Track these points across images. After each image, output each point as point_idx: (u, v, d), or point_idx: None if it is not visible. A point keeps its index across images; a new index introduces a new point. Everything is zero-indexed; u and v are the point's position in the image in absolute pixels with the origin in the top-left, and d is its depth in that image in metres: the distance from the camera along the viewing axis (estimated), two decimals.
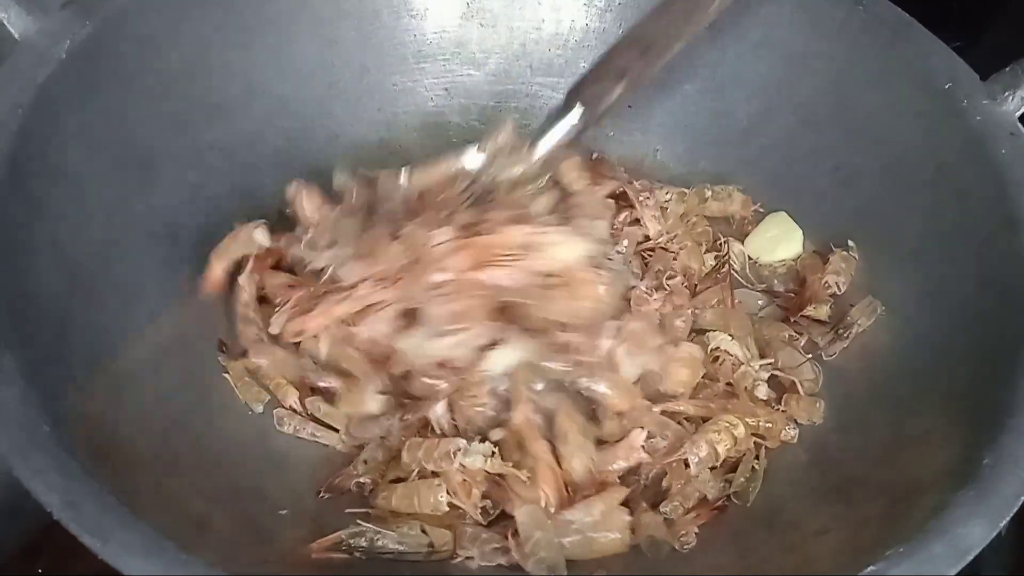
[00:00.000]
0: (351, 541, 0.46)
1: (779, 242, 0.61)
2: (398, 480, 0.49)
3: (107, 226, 0.49)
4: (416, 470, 0.49)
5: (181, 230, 0.55)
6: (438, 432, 0.51)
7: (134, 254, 0.51)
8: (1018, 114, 0.51)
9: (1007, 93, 0.51)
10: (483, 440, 0.49)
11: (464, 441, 0.48)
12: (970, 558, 0.36)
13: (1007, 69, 0.52)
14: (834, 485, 0.48)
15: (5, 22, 0.47)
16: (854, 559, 0.38)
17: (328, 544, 0.45)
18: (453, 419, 0.51)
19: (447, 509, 0.47)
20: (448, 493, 0.47)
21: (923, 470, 0.44)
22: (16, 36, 0.47)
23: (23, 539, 0.51)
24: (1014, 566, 0.54)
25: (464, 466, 0.47)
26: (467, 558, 0.46)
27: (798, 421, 0.53)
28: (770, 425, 0.52)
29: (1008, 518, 0.38)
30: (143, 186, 0.52)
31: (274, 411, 0.52)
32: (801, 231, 0.61)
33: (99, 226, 0.48)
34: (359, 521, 0.46)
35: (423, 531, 0.46)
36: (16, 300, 0.41)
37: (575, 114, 0.51)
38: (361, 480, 0.50)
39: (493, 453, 0.48)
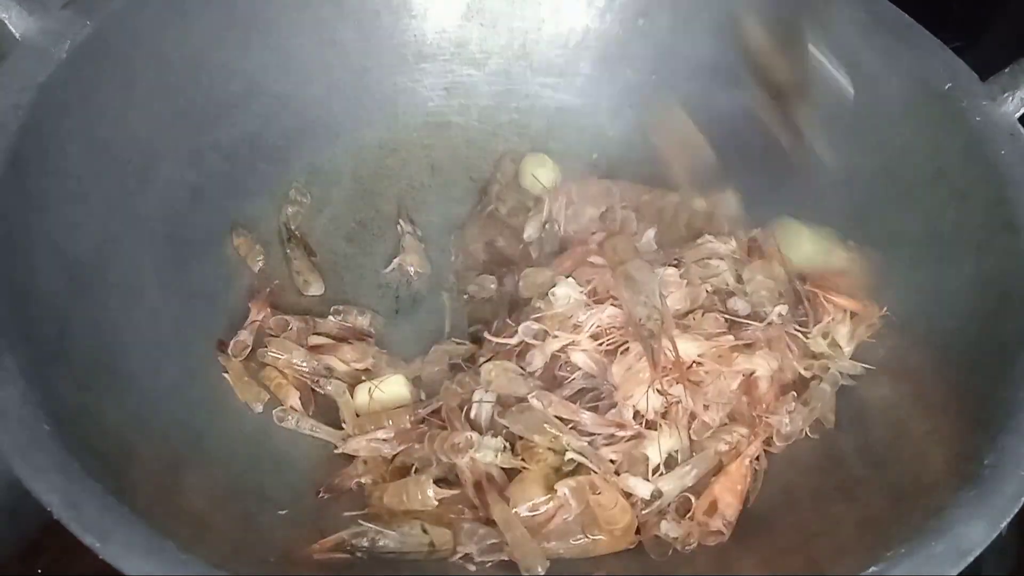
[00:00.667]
0: (353, 541, 0.45)
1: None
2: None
3: (107, 225, 0.49)
4: (414, 467, 0.49)
5: (181, 230, 0.55)
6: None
7: (134, 254, 0.51)
8: (1018, 115, 0.51)
9: (1007, 94, 0.51)
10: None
11: (477, 434, 0.49)
12: (971, 558, 0.37)
13: (1007, 70, 0.52)
14: (835, 485, 0.48)
15: (6, 22, 0.47)
16: (855, 559, 0.38)
17: (330, 544, 0.45)
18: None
19: (436, 504, 0.47)
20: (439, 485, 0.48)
21: (924, 470, 0.44)
22: (17, 36, 0.47)
23: (23, 539, 0.51)
24: (1015, 566, 0.54)
25: (474, 459, 0.48)
26: (466, 555, 0.46)
27: None
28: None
29: (1009, 518, 0.38)
30: (143, 186, 0.52)
31: (273, 410, 0.52)
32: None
33: (99, 225, 0.48)
34: (360, 521, 0.46)
35: (424, 530, 0.46)
36: (16, 299, 0.41)
37: None
38: (361, 480, 0.50)
39: (505, 448, 0.48)
